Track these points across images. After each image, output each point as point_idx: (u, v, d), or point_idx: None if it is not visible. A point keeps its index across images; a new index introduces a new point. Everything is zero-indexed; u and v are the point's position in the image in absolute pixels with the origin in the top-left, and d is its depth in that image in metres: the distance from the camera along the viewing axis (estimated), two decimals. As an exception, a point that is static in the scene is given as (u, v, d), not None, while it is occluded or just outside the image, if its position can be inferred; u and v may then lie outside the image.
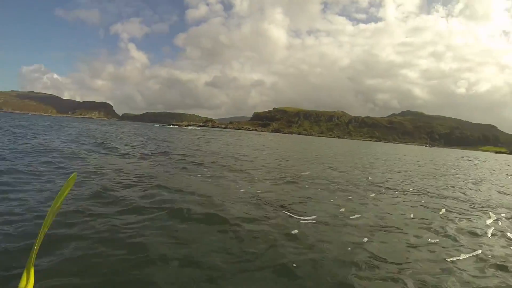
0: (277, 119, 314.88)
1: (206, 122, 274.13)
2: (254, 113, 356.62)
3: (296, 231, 4.93)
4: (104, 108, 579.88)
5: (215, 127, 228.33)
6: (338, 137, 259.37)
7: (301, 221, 5.56)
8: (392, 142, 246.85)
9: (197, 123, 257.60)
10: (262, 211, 6.03)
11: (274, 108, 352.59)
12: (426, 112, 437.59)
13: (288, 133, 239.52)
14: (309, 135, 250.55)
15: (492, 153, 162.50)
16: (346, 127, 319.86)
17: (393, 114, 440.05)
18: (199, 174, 9.93)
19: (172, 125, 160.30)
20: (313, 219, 5.68)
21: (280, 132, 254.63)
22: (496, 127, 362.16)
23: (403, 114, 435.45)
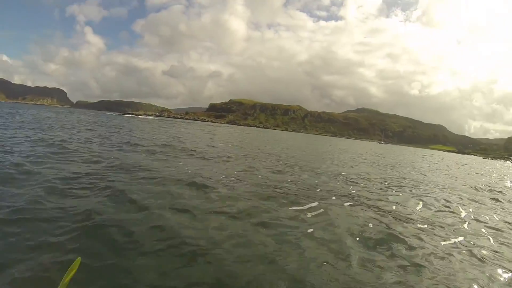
0: (233, 111, 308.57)
1: (162, 112, 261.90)
2: (210, 104, 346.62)
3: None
4: (57, 95, 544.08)
5: (171, 117, 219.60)
6: (294, 130, 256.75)
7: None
8: (347, 138, 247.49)
9: (153, 113, 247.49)
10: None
11: (230, 100, 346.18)
12: (381, 110, 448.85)
13: (243, 125, 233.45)
14: (264, 127, 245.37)
15: (442, 152, 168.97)
16: (302, 122, 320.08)
17: (349, 111, 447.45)
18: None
19: (130, 114, 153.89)
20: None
21: (236, 124, 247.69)
22: (445, 128, 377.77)
23: (358, 111, 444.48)
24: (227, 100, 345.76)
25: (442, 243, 5.49)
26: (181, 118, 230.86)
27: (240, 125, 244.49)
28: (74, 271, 1.24)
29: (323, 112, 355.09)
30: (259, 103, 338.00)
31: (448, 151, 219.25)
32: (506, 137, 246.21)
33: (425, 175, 17.75)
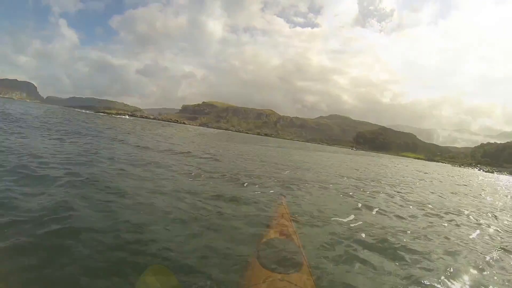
0: (205, 113, 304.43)
1: (135, 112, 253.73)
2: (182, 105, 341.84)
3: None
4: (26, 88, 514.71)
5: (143, 117, 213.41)
6: (266, 135, 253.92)
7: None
8: (319, 144, 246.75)
9: (125, 112, 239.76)
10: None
11: (203, 102, 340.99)
12: (353, 117, 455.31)
13: (216, 128, 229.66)
14: (236, 131, 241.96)
15: (412, 159, 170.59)
16: (275, 126, 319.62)
17: (321, 117, 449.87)
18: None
19: (102, 112, 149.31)
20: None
21: (208, 126, 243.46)
22: (415, 136, 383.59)
23: (330, 117, 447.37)
24: (201, 102, 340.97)
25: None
26: (153, 118, 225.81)
27: (213, 127, 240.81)
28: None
29: (296, 118, 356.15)
30: (232, 106, 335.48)
31: (418, 158, 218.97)
32: (473, 146, 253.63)
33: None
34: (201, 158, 13.68)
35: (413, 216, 7.60)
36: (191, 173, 9.01)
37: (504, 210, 11.63)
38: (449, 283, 3.92)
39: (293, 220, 4.47)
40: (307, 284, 2.65)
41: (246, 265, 3.18)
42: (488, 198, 15.81)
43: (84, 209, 4.71)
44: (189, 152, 15.23)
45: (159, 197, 5.91)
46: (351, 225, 5.77)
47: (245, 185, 8.41)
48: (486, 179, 40.79)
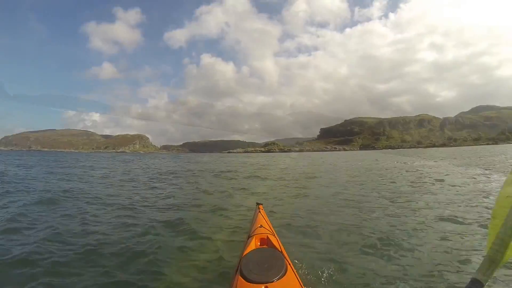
0: (356, 133, 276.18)
1: (270, 146, 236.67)
2: (321, 129, 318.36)
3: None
4: (139, 140, 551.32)
5: (283, 151, 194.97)
6: (444, 145, 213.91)
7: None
8: (507, 143, 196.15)
9: (256, 149, 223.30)
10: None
11: (345, 121, 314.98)
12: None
13: (385, 148, 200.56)
14: (411, 147, 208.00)
15: None
16: (442, 131, 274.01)
17: (463, 112, 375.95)
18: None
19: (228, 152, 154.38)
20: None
21: (374, 148, 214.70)
22: None
23: (474, 110, 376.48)
24: (342, 121, 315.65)
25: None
26: (300, 150, 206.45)
27: (380, 148, 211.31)
28: None
29: (460, 116, 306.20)
30: (385, 119, 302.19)
31: None
32: None
33: None
34: None
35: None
36: None
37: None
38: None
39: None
40: None
41: (229, 280, 3.22)
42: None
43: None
44: None
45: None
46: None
47: None
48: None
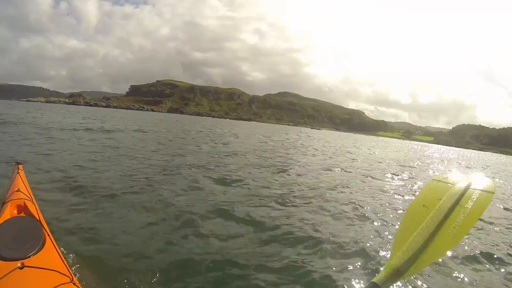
0: (167, 95, 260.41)
1: (77, 98, 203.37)
2: (131, 86, 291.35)
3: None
4: None
5: (89, 104, 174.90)
6: (250, 119, 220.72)
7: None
8: (304, 126, 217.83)
9: (60, 99, 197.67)
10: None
11: (157, 81, 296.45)
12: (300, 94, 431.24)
13: (193, 114, 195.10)
14: (218, 117, 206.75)
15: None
16: (250, 108, 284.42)
17: (269, 94, 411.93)
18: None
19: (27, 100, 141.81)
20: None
21: (182, 112, 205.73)
22: (363, 113, 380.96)
23: (281, 94, 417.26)
24: (154, 81, 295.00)
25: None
26: (106, 106, 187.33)
27: (188, 113, 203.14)
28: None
29: (267, 97, 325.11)
30: (197, 86, 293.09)
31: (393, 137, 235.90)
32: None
33: None
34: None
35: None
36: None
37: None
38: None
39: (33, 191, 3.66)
40: (55, 263, 2.30)
41: None
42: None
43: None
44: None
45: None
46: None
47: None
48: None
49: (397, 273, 1.31)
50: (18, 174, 3.79)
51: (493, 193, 1.58)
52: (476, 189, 1.64)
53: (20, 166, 4.09)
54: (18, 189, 3.27)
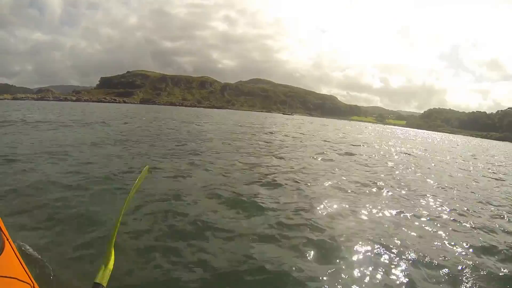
0: (138, 86, 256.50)
1: (45, 93, 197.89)
2: (101, 78, 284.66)
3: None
4: None
5: (58, 99, 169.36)
6: (222, 107, 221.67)
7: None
8: (277, 112, 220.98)
9: (27, 95, 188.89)
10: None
11: (128, 72, 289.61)
12: (273, 80, 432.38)
13: (167, 104, 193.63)
14: (192, 105, 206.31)
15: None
16: (223, 95, 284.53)
17: (241, 81, 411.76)
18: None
19: None
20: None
21: (154, 103, 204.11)
22: (336, 98, 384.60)
23: (253, 81, 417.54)
24: (125, 72, 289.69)
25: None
26: (76, 100, 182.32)
27: (161, 103, 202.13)
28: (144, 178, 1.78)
29: (240, 84, 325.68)
30: (169, 75, 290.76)
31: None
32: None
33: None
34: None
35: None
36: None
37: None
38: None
39: None
40: (14, 270, 1.94)
41: None
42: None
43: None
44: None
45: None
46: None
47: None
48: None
49: (106, 268, 1.48)
50: None
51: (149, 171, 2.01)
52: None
53: None
54: None
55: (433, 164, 16.78)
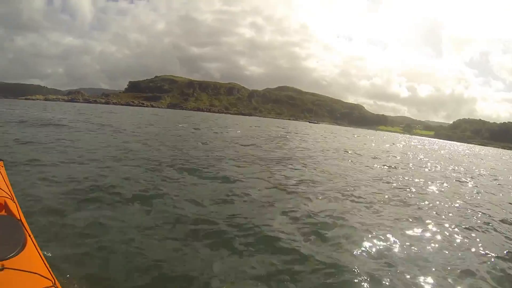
0: (166, 91, 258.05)
1: (75, 95, 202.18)
2: (130, 82, 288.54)
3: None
4: None
5: (88, 101, 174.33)
6: (251, 114, 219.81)
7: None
8: (304, 120, 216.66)
9: (58, 97, 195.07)
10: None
11: (156, 76, 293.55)
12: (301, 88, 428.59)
13: (193, 109, 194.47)
14: (219, 112, 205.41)
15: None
16: (250, 102, 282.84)
17: (268, 88, 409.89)
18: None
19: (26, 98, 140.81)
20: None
21: (181, 108, 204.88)
22: (363, 107, 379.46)
23: (281, 89, 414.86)
24: (153, 77, 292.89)
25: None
26: (105, 102, 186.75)
27: (188, 109, 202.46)
28: None
29: (267, 91, 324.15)
30: (196, 81, 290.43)
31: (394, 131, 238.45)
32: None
33: None
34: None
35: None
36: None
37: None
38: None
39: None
40: (36, 265, 2.18)
41: None
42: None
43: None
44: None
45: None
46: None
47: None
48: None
49: None
50: None
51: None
52: None
53: (1, 163, 3.97)
54: None
55: None
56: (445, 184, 12.21)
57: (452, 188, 11.57)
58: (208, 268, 3.75)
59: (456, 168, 19.85)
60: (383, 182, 10.82)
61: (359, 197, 8.03)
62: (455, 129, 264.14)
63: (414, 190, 10.01)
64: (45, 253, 2.83)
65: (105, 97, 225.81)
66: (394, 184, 10.71)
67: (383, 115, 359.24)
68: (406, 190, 9.79)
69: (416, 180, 12.18)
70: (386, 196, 8.50)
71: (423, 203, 8.29)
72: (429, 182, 11.97)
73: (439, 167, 18.82)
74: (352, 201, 7.64)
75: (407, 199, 8.53)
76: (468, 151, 58.48)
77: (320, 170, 11.93)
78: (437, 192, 10.39)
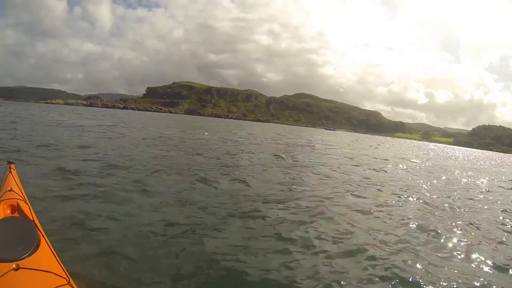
0: (184, 97, 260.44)
1: (94, 100, 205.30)
2: (148, 88, 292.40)
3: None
4: None
5: (106, 106, 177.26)
6: (268, 121, 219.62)
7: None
8: (321, 128, 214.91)
9: (77, 101, 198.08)
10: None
11: (173, 83, 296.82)
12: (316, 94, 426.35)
13: (211, 115, 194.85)
14: (236, 118, 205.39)
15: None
16: (267, 109, 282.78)
17: (285, 95, 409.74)
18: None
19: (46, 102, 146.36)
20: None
21: (200, 114, 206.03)
22: (381, 114, 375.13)
23: (298, 96, 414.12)
24: (170, 83, 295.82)
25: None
26: (123, 107, 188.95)
27: (206, 115, 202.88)
28: None
29: (285, 98, 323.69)
30: (214, 87, 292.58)
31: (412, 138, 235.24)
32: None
33: None
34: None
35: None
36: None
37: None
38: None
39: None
40: (51, 264, 2.25)
41: None
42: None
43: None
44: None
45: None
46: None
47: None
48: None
49: None
50: (10, 174, 3.71)
51: None
52: None
53: (12, 165, 4.02)
54: (11, 188, 3.21)
55: None
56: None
57: None
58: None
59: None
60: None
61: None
62: (474, 136, 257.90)
63: None
64: (58, 252, 2.70)
65: (123, 102, 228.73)
66: None
67: (400, 122, 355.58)
68: None
69: None
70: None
71: None
72: None
73: None
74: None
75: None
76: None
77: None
78: None
